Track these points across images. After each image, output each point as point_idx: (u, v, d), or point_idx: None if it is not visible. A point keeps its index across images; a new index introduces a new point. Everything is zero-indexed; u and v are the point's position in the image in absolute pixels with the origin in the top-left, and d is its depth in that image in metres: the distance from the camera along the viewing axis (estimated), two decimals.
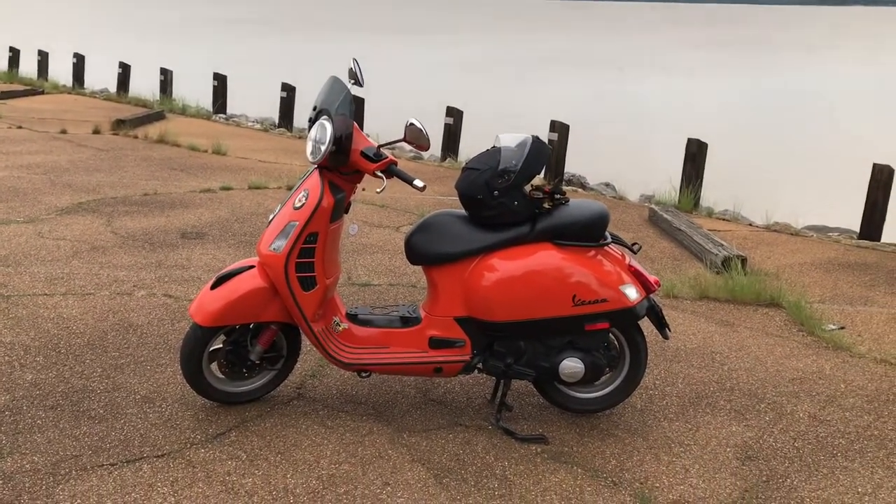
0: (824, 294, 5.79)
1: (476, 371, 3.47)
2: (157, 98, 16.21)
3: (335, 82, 3.36)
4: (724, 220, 8.48)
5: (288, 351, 3.55)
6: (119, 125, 11.60)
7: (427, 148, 3.22)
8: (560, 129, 10.26)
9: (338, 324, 3.44)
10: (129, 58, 18.63)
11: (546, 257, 3.29)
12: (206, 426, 3.37)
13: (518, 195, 3.27)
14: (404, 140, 3.22)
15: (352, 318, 3.49)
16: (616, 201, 9.33)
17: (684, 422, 3.66)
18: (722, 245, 6.39)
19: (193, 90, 16.53)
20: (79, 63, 19.14)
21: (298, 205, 3.25)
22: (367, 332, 3.45)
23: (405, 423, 3.50)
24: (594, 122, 17.00)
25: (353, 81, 3.47)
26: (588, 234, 3.33)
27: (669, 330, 3.59)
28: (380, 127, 12.69)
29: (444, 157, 11.64)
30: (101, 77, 19.61)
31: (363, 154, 3.25)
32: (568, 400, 3.57)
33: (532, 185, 3.35)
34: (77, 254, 5.60)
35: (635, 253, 3.52)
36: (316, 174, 3.30)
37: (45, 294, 4.78)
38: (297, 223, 3.21)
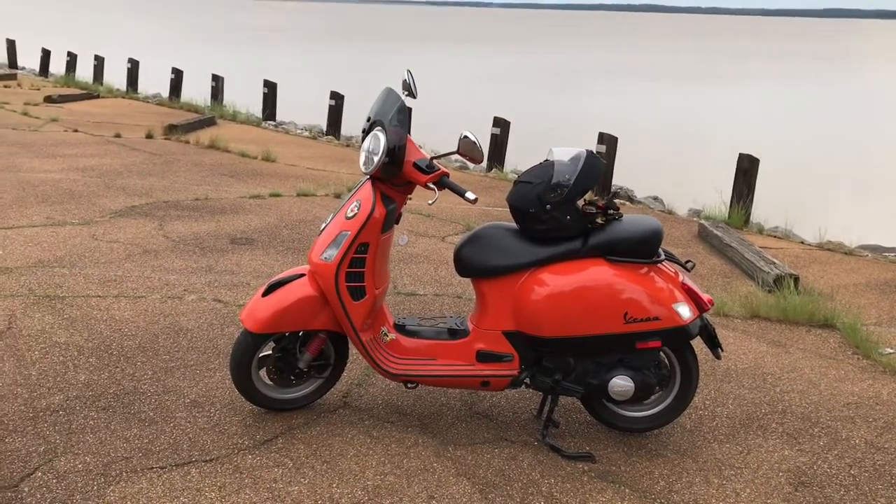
0: (881, 316, 5.63)
1: (523, 386, 3.44)
2: (209, 104, 16.48)
3: (389, 93, 3.37)
4: (775, 237, 8.32)
5: (336, 359, 3.56)
6: (171, 130, 11.82)
7: (480, 161, 3.21)
8: (608, 141, 10.18)
9: (385, 334, 3.45)
10: (182, 64, 19.00)
11: (598, 273, 3.25)
12: (254, 432, 3.40)
13: (571, 209, 3.25)
14: (458, 153, 3.22)
15: (399, 328, 3.49)
16: (664, 215, 9.22)
17: (735, 444, 3.58)
18: (774, 263, 6.27)
19: (244, 97, 16.78)
20: (133, 68, 19.57)
21: (350, 215, 3.27)
22: (415, 343, 3.45)
23: (450, 436, 3.48)
24: (642, 134, 16.85)
25: (406, 93, 3.48)
26: (641, 250, 3.29)
27: (722, 350, 3.52)
28: (427, 138, 12.78)
29: (490, 168, 11.63)
30: (154, 82, 20.02)
31: (416, 165, 3.25)
32: (616, 418, 3.52)
33: (585, 200, 3.32)
34: (130, 257, 5.70)
35: (689, 270, 3.46)
36: (368, 185, 3.31)
37: (99, 296, 4.87)
38: (349, 233, 3.23)
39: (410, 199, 3.54)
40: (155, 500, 2.88)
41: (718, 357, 3.51)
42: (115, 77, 20.16)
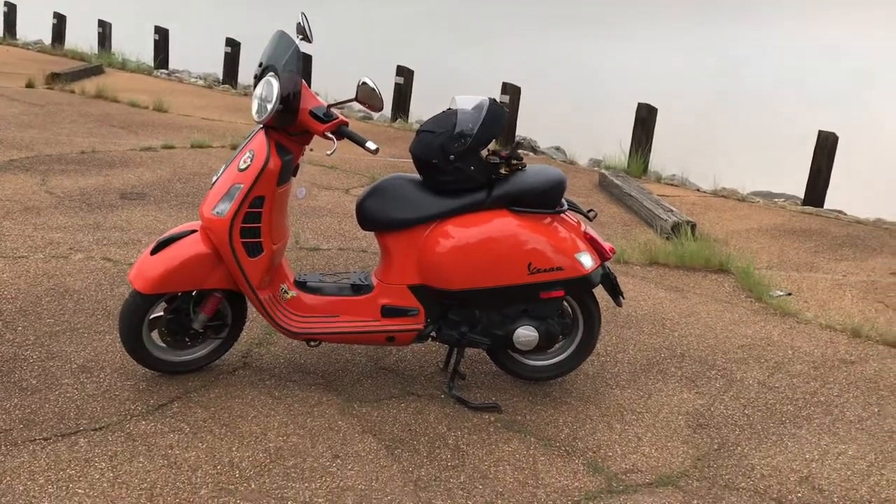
0: (771, 260, 5.86)
1: (430, 339, 3.39)
2: (96, 52, 15.56)
3: (282, 37, 3.19)
4: (672, 185, 8.53)
5: (233, 319, 3.42)
6: (54, 79, 11.10)
7: (380, 109, 3.09)
8: (511, 90, 10.15)
9: (286, 291, 3.32)
10: (65, 8, 17.83)
11: (502, 224, 3.21)
12: (147, 397, 3.23)
13: (475, 160, 3.18)
14: (356, 100, 3.08)
15: (300, 285, 3.37)
16: (566, 166, 9.31)
17: (636, 389, 3.65)
18: (671, 211, 6.41)
19: (134, 45, 15.91)
20: (10, 12, 18.26)
21: (243, 166, 3.10)
22: (317, 300, 3.34)
23: (356, 393, 3.41)
24: (544, 84, 16.92)
25: (301, 37, 3.31)
26: (545, 200, 3.26)
27: (623, 297, 3.56)
28: (328, 86, 12.43)
29: (394, 118, 11.45)
30: (34, 28, 18.74)
31: (312, 114, 3.10)
32: (521, 368, 3.53)
33: (489, 150, 3.25)
34: (8, 214, 5.33)
35: (591, 220, 3.46)
36: (262, 134, 3.14)
37: None
38: (242, 186, 3.07)
39: (311, 150, 3.39)
40: (38, 474, 2.70)
41: (620, 304, 3.54)
42: None
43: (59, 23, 16.97)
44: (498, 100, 10.38)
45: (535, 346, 3.36)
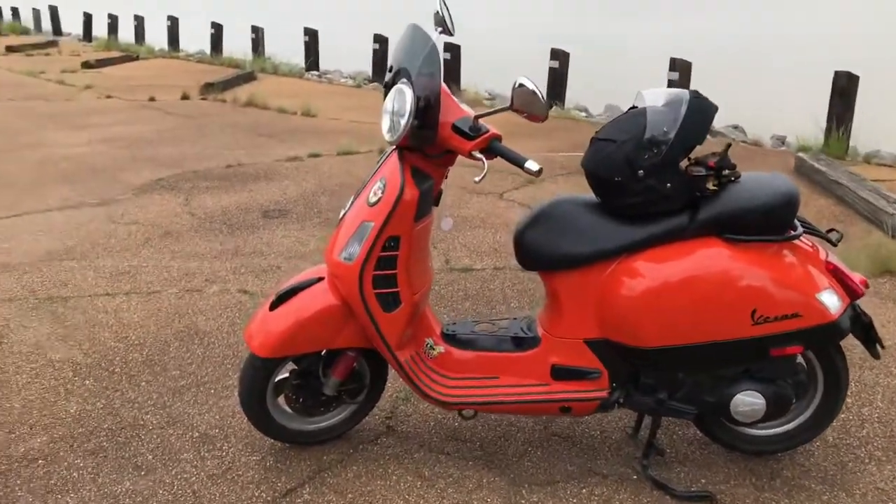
0: None
1: (616, 407, 2.63)
2: (250, 58, 15.75)
3: (416, 32, 2.51)
4: (887, 166, 7.21)
5: (372, 379, 2.81)
6: (208, 89, 11.14)
7: (544, 118, 2.33)
8: (681, 67, 9.08)
9: (432, 347, 2.67)
10: (222, 17, 18.24)
11: (712, 258, 2.39)
12: (274, 479, 2.68)
13: (672, 174, 2.37)
14: (511, 108, 2.35)
15: (449, 338, 2.71)
16: (750, 148, 8.17)
17: None
18: None
19: (286, 48, 15.96)
20: (173, 26, 18.92)
21: (374, 199, 2.46)
22: (470, 357, 2.66)
23: (523, 471, 2.71)
24: (715, 56, 15.44)
25: (440, 29, 2.62)
26: (770, 223, 2.40)
27: (882, 347, 2.63)
28: (476, 80, 11.78)
29: (549, 105, 10.63)
30: (195, 39, 19.34)
31: (455, 128, 2.41)
32: (739, 439, 2.70)
33: (691, 159, 2.44)
34: (148, 241, 5.04)
35: (835, 244, 2.57)
36: (394, 158, 2.49)
37: (107, 294, 4.21)
38: (374, 224, 2.43)
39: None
40: None
41: (877, 356, 2.63)
42: (158, 36, 19.54)
43: (217, 32, 17.36)
44: (667, 78, 9.36)
45: (762, 416, 2.52)
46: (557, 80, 10.87)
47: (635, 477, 2.67)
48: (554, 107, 10.53)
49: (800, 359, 2.62)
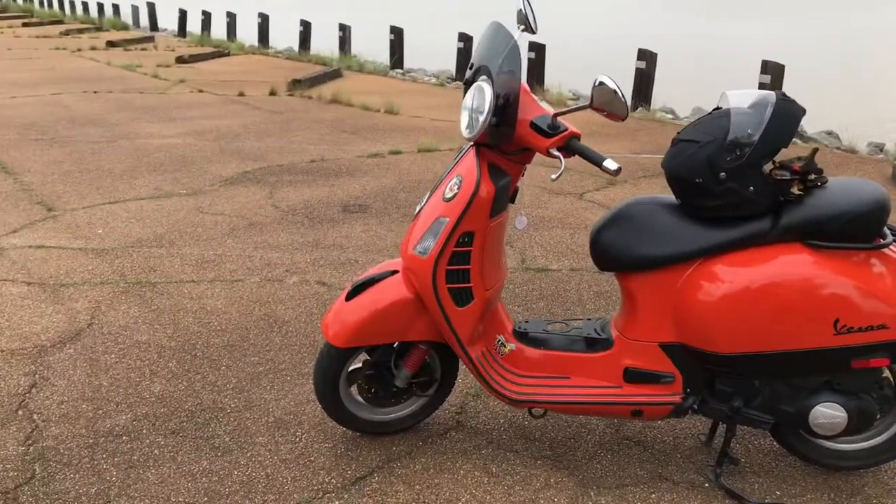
0: None
1: (689, 413, 2.58)
2: (337, 56, 16.02)
3: (498, 30, 2.52)
4: None
5: (443, 373, 2.84)
6: (295, 85, 11.39)
7: (624, 117, 2.31)
8: (774, 70, 8.81)
9: (503, 344, 2.67)
10: (311, 15, 18.61)
11: (795, 264, 2.32)
12: (344, 466, 2.74)
13: (755, 177, 2.32)
14: (591, 106, 2.33)
15: (521, 336, 2.71)
16: (845, 155, 7.86)
17: None
18: None
19: (372, 45, 16.18)
20: (263, 23, 19.41)
21: (450, 195, 2.48)
22: (541, 356, 2.66)
23: (591, 473, 2.69)
24: (810, 59, 14.92)
25: (522, 28, 2.63)
26: (857, 230, 2.32)
27: None
28: (561, 79, 11.70)
29: (635, 107, 10.47)
30: (285, 36, 19.80)
31: (534, 126, 2.41)
32: (818, 452, 2.61)
33: (776, 163, 2.38)
34: (233, 231, 5.20)
35: None
36: (472, 154, 2.50)
37: (193, 281, 4.37)
38: (448, 220, 2.45)
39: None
40: None
41: None
42: (249, 33, 20.09)
43: (305, 30, 17.71)
44: (758, 82, 9.09)
45: (842, 430, 2.43)
46: (644, 81, 10.69)
47: (707, 485, 2.62)
48: (640, 108, 10.37)
49: (886, 373, 2.52)
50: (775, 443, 2.74)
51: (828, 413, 2.42)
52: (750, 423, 2.52)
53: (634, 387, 2.54)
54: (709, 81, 11.45)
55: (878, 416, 2.51)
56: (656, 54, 10.65)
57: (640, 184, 6.37)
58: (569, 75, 12.16)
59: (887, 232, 2.38)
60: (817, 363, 2.35)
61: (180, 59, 14.86)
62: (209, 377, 3.35)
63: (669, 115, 10.57)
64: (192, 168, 6.87)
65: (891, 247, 2.38)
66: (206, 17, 21.17)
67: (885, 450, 2.59)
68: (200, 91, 11.42)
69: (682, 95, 11.19)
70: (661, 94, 10.89)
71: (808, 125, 9.85)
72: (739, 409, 2.48)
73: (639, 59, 10.70)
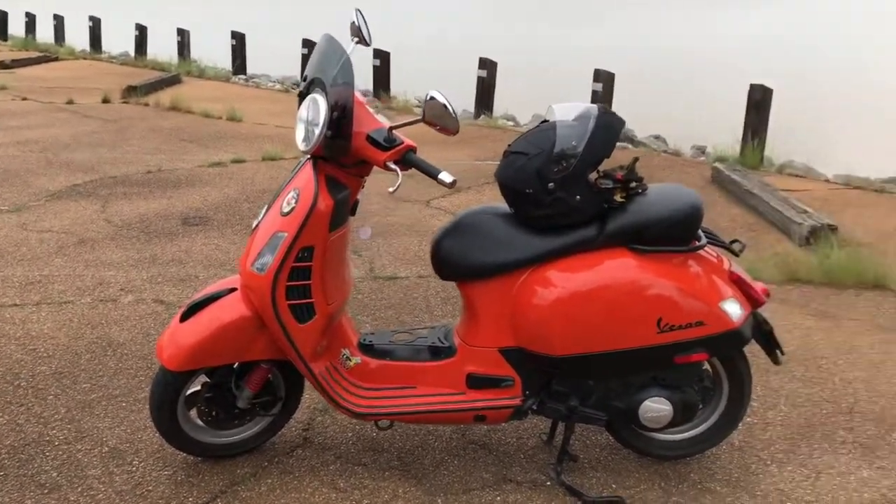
0: None
1: (529, 414, 2.66)
2: (175, 61, 15.42)
3: (330, 42, 2.51)
4: (797, 176, 7.50)
5: (287, 391, 2.78)
6: (130, 92, 10.86)
7: (455, 131, 2.36)
8: (605, 78, 9.28)
9: (348, 358, 2.66)
10: (147, 19, 17.81)
11: (620, 268, 2.45)
12: (185, 494, 2.63)
13: (581, 186, 2.43)
14: (423, 120, 2.37)
15: (366, 348, 2.71)
16: (670, 158, 8.39)
17: (798, 465, 2.84)
18: (806, 212, 5.47)
19: (213, 51, 15.68)
20: (95, 26, 18.39)
21: (287, 209, 2.44)
22: (387, 367, 2.66)
23: (439, 481, 2.72)
24: (638, 65, 15.81)
25: (356, 40, 2.64)
26: (675, 234, 2.48)
27: (783, 353, 2.74)
28: (407, 89, 11.78)
29: (477, 114, 10.73)
30: (119, 41, 18.82)
31: (370, 139, 2.41)
32: (648, 443, 2.77)
33: (600, 172, 2.50)
34: (62, 249, 4.88)
35: (738, 254, 2.66)
36: (309, 167, 2.48)
37: (16, 304, 4.07)
38: (286, 235, 2.41)
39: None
40: None
41: (778, 363, 2.73)
42: (79, 37, 18.94)
43: (141, 34, 16.95)
44: (591, 89, 9.53)
45: (669, 422, 2.59)
46: (485, 90, 10.98)
47: (549, 483, 2.71)
48: (482, 116, 10.62)
49: (706, 365, 2.71)
50: (611, 438, 2.87)
51: (655, 407, 2.56)
52: (586, 421, 2.63)
53: (477, 392, 2.60)
54: (547, 89, 11.89)
55: (700, 407, 2.69)
56: (496, 63, 10.95)
57: (485, 190, 6.53)
58: (415, 83, 12.29)
59: (702, 234, 2.55)
60: (644, 360, 2.50)
61: (1, 65, 13.81)
62: (34, 408, 3.12)
63: (511, 123, 10.89)
64: (15, 182, 6.40)
65: (706, 248, 2.56)
66: (31, 20, 19.80)
67: (707, 437, 2.78)
68: (24, 99, 10.67)
69: (522, 103, 11.56)
70: (504, 101, 11.22)
71: (638, 130, 10.46)
72: (576, 407, 2.59)
73: (480, 67, 10.97)
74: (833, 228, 5.17)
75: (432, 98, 2.30)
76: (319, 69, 2.48)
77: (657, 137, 10.58)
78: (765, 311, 2.73)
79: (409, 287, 4.43)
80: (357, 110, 2.42)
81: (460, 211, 2.68)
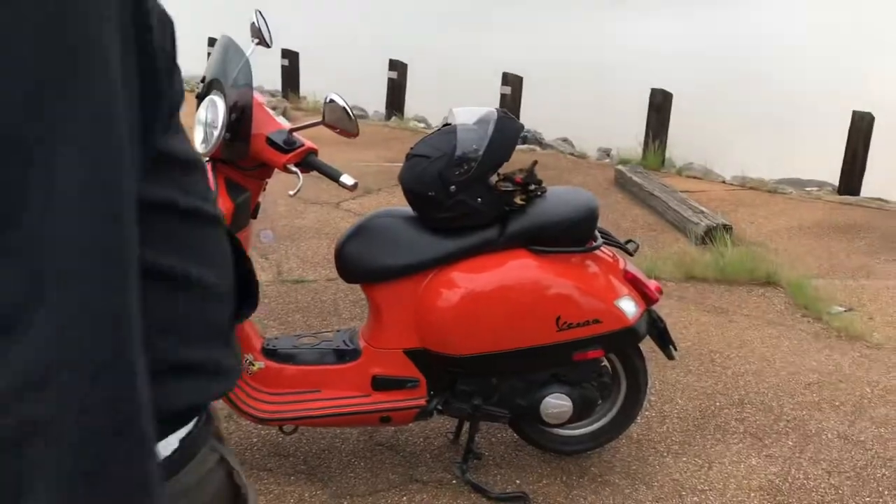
0: (821, 266, 5.16)
1: (435, 414, 2.69)
2: None
3: (229, 44, 2.49)
4: (695, 178, 7.80)
5: None
6: None
7: (355, 134, 2.38)
8: (513, 81, 9.44)
9: (251, 363, 2.63)
10: None
11: (520, 269, 2.51)
12: None
13: (482, 189, 2.48)
14: (323, 123, 2.38)
15: (270, 353, 2.68)
16: (577, 160, 8.60)
17: (693, 456, 2.96)
18: (703, 212, 5.71)
19: None
20: None
21: None
22: (291, 372, 2.65)
23: (345, 483, 2.73)
24: (545, 69, 16.13)
25: (256, 41, 2.61)
26: (572, 235, 2.56)
27: (676, 349, 2.86)
28: (317, 89, 11.69)
29: (388, 116, 10.74)
30: None
31: (270, 141, 2.40)
32: (549, 439, 2.84)
33: (500, 175, 2.55)
34: None
35: (632, 254, 2.77)
36: (208, 170, 2.44)
37: None
38: None
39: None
40: None
41: (672, 357, 2.85)
42: None
43: None
44: (500, 92, 9.68)
45: (569, 418, 2.67)
46: (396, 91, 10.99)
47: (455, 482, 2.75)
48: (393, 117, 10.64)
49: (605, 362, 2.80)
50: (515, 435, 2.93)
51: (555, 403, 2.63)
52: (490, 419, 2.68)
53: (382, 394, 2.61)
54: (459, 91, 12.01)
55: (599, 402, 2.77)
56: (406, 65, 10.99)
57: (395, 192, 6.54)
58: (325, 83, 12.19)
59: (598, 235, 2.64)
60: (544, 358, 2.56)
61: None
62: None
63: (422, 124, 10.94)
64: None
65: (601, 249, 2.64)
66: None
67: (606, 431, 2.87)
68: None
69: (434, 105, 11.63)
70: (416, 103, 11.26)
71: (546, 133, 10.67)
72: (479, 406, 2.64)
73: (390, 69, 10.99)
74: (728, 228, 5.41)
75: (332, 101, 2.31)
76: (218, 70, 2.45)
77: (564, 140, 10.82)
78: (663, 308, 2.85)
79: (317, 290, 4.41)
80: (256, 112, 2.40)
81: (365, 214, 2.69)
